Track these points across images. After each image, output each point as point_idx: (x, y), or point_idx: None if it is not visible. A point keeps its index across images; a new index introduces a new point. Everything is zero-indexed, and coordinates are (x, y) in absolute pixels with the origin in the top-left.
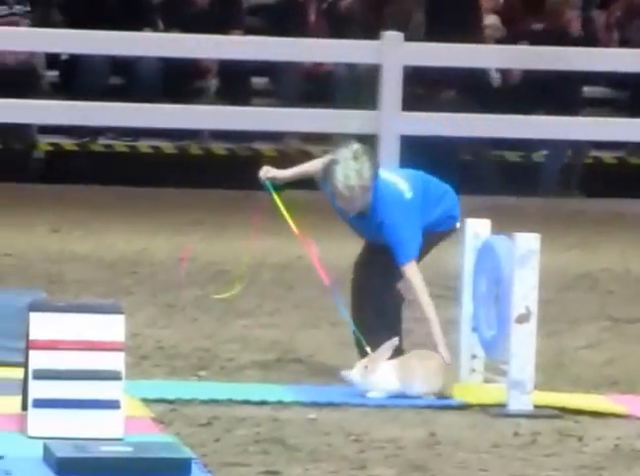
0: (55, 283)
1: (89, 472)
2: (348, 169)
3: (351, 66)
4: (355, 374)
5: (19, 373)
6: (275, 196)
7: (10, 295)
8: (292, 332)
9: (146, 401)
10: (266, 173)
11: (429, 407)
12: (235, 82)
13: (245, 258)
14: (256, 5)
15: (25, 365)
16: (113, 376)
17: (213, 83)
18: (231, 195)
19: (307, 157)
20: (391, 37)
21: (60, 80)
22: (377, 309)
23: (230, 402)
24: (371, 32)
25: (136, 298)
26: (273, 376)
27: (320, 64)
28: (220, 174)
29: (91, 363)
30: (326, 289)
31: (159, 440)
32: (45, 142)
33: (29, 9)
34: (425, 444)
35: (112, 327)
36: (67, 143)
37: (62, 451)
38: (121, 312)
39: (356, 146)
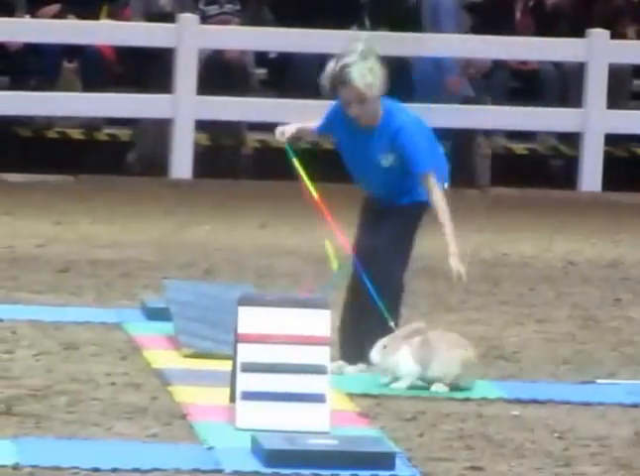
0: (265, 277)
1: (297, 464)
2: (362, 68)
3: (557, 64)
4: (374, 354)
5: (227, 365)
6: (296, 162)
7: (220, 288)
8: (498, 329)
9: (351, 395)
10: (282, 134)
11: (637, 405)
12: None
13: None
14: (463, 3)
15: (233, 358)
16: (319, 370)
17: None
18: None
19: (512, 155)
20: (598, 34)
21: (269, 78)
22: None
23: (435, 397)
24: (577, 29)
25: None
26: (479, 372)
27: (526, 62)
28: None
29: (298, 357)
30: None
31: (364, 434)
32: (253, 138)
33: (239, 8)
34: (632, 443)
35: (319, 322)
36: (274, 140)
37: (271, 443)
38: (327, 307)
39: (360, 46)
